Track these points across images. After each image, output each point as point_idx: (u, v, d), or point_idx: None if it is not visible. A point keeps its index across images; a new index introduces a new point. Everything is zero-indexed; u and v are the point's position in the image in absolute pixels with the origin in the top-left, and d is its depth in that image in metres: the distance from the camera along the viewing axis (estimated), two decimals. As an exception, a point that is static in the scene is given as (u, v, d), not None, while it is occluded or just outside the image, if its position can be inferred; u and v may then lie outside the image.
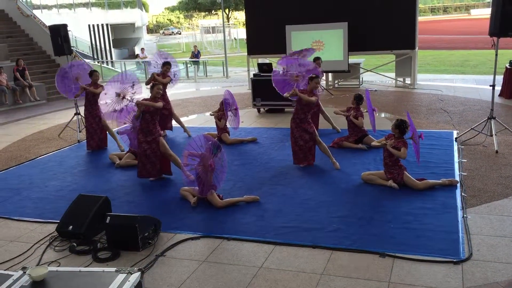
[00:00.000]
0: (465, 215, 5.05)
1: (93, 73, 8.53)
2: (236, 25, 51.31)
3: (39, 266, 3.02)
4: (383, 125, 8.64)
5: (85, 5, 32.72)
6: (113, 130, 8.50)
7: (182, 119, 9.74)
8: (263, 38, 13.78)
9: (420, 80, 14.27)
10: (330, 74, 14.38)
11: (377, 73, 14.82)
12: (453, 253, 4.32)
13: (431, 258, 4.26)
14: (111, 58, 29.08)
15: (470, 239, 4.54)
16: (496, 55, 7.61)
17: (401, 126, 5.94)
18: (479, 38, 26.41)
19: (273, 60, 14.13)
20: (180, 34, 56.88)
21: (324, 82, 14.48)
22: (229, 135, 8.58)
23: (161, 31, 64.55)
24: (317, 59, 9.43)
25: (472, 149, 7.36)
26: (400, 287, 3.88)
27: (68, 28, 9.71)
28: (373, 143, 6.60)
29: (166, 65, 8.85)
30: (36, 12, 21.14)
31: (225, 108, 8.31)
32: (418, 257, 4.29)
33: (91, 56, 27.81)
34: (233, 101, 8.41)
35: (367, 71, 14.58)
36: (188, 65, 20.78)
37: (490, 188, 5.80)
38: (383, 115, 10.05)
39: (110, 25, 30.85)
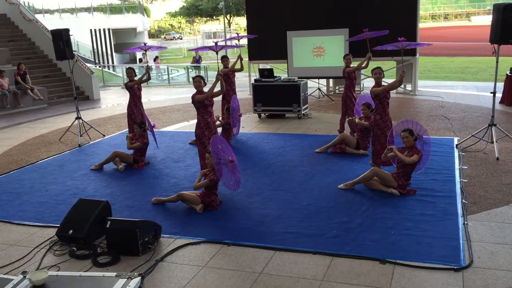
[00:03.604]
0: (465, 222, 5.05)
1: (127, 71, 8.89)
2: (238, 30, 51.42)
3: (39, 271, 3.01)
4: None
5: (87, 9, 32.87)
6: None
7: (183, 124, 9.74)
8: (264, 43, 13.81)
9: (421, 86, 14.28)
10: (331, 80, 14.41)
11: (378, 79, 14.83)
12: (453, 260, 4.31)
13: (431, 265, 4.25)
14: (113, 62, 29.16)
15: (471, 246, 4.54)
16: (497, 62, 7.63)
17: (413, 132, 6.08)
18: (479, 45, 26.45)
19: (274, 66, 14.18)
20: (181, 39, 57.04)
21: (325, 88, 14.50)
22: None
23: (162, 36, 64.67)
24: (346, 56, 9.13)
25: (473, 156, 7.36)
26: (401, 294, 3.87)
27: (70, 33, 9.72)
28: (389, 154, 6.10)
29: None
30: (38, 17, 21.22)
31: (231, 115, 8.52)
32: (418, 264, 4.28)
33: (93, 60, 27.90)
34: (238, 107, 8.80)
35: (368, 77, 14.59)
36: (190, 70, 20.82)
37: (490, 195, 5.80)
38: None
39: (112, 30, 30.98)
